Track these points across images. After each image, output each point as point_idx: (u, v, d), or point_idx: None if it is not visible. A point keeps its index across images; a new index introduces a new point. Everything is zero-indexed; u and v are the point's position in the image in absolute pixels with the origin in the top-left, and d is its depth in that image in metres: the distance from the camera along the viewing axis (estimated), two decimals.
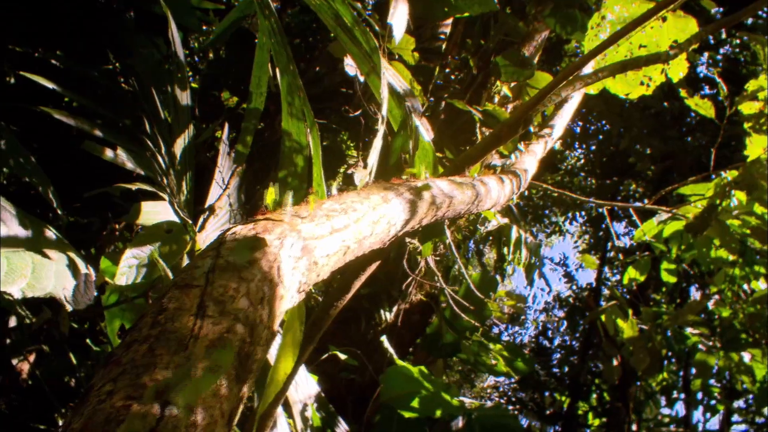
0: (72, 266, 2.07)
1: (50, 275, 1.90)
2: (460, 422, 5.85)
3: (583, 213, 16.96)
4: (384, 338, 5.84)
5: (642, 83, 5.51)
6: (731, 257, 6.34)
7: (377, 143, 2.54)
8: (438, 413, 5.53)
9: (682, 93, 5.86)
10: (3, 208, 1.92)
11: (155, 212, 3.19)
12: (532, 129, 5.87)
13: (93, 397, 0.98)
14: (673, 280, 6.84)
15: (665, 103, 12.55)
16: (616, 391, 14.46)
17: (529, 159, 4.88)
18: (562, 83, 3.45)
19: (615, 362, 7.39)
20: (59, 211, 2.43)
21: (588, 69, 4.22)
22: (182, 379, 1.00)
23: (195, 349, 1.07)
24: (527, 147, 5.13)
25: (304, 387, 4.64)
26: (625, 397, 13.00)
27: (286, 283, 1.41)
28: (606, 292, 16.40)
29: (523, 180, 4.42)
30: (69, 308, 1.88)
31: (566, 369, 16.98)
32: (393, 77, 3.24)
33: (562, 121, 5.69)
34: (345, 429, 4.84)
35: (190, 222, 3.36)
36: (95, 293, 2.08)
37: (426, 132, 3.42)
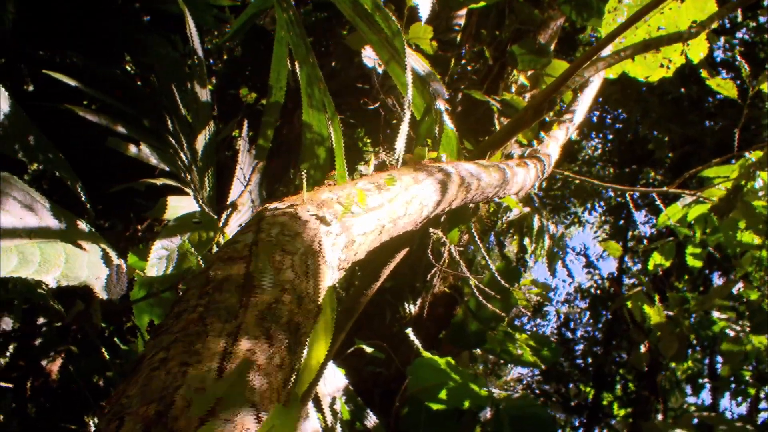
0: (104, 257, 2.06)
1: (83, 265, 1.89)
2: (488, 413, 5.82)
3: (602, 203, 16.85)
4: (409, 330, 5.82)
5: (662, 65, 5.47)
6: (757, 240, 6.26)
7: (404, 127, 2.52)
8: (466, 404, 5.50)
9: (703, 74, 5.80)
10: (36, 201, 1.92)
11: (181, 207, 3.19)
12: (552, 116, 5.84)
13: (146, 365, 0.96)
14: (699, 264, 6.76)
15: (682, 89, 12.45)
16: (642, 380, 14.36)
17: (552, 144, 4.84)
18: (584, 64, 3.42)
19: (643, 349, 7.33)
20: (88, 206, 2.43)
21: (607, 52, 4.18)
22: (236, 347, 0.98)
23: (246, 318, 1.05)
24: (548, 133, 5.09)
25: (332, 380, 4.63)
26: (654, 384, 12.91)
27: (327, 258, 1.40)
28: (627, 281, 16.31)
29: (547, 165, 4.39)
30: (103, 296, 1.87)
31: (590, 360, 16.88)
32: (416, 62, 3.21)
33: (582, 106, 5.64)
34: (374, 421, 4.82)
35: (215, 217, 3.35)
36: (126, 284, 2.07)
37: (448, 119, 3.39)
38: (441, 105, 3.09)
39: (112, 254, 2.14)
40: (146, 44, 4.99)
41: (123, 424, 0.86)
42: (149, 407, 0.87)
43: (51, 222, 1.95)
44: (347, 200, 1.61)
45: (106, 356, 2.54)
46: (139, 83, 5.27)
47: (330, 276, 1.44)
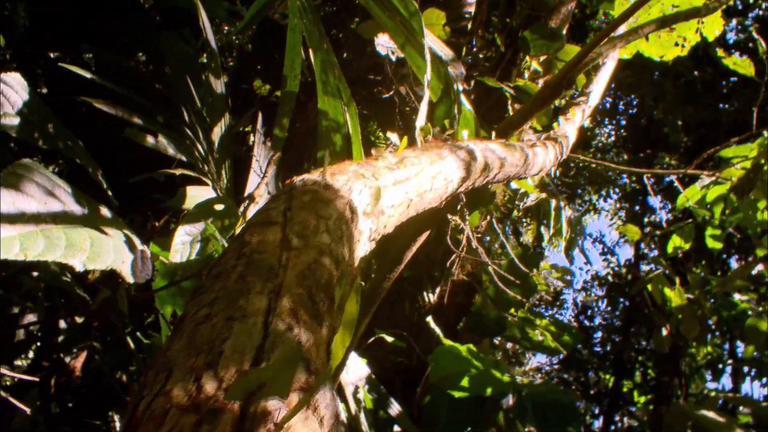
0: (128, 242, 2.05)
1: (109, 250, 1.88)
2: (510, 400, 5.79)
3: (617, 190, 16.78)
4: (429, 319, 5.80)
5: (676, 44, 5.42)
6: None
7: (423, 106, 2.50)
8: (488, 391, 5.47)
9: (719, 52, 5.74)
10: (58, 186, 1.91)
11: (200, 197, 3.18)
12: (566, 100, 5.79)
13: (189, 322, 0.95)
14: (718, 246, 6.70)
15: (696, 72, 12.36)
16: (662, 365, 14.30)
17: (569, 127, 4.80)
18: (601, 42, 3.39)
19: (664, 332, 7.27)
20: (109, 193, 2.42)
21: (622, 32, 4.14)
22: (279, 303, 0.97)
23: (286, 277, 1.04)
24: (564, 116, 5.04)
25: (355, 369, 4.62)
26: (676, 367, 12.85)
27: (359, 226, 1.38)
28: (644, 268, 16.23)
29: (565, 147, 4.36)
30: (130, 280, 1.86)
31: (609, 347, 16.83)
32: (433, 42, 3.19)
33: (597, 88, 5.59)
34: (398, 409, 4.81)
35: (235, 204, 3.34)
36: (152, 270, 2.06)
37: (466, 101, 3.37)
38: (459, 86, 3.07)
39: (136, 240, 2.13)
40: (158, 39, 4.99)
41: (172, 375, 0.85)
42: (198, 358, 0.86)
43: (74, 207, 1.94)
44: (375, 172, 1.60)
45: (131, 345, 2.53)
46: (152, 77, 5.27)
47: (362, 245, 1.43)
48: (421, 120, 2.40)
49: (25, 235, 1.65)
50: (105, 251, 1.86)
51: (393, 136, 2.27)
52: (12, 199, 1.69)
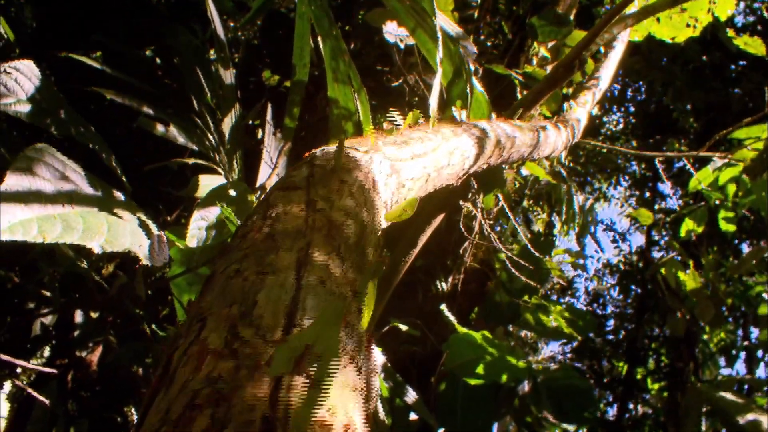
0: (144, 227, 2.05)
1: (126, 233, 1.87)
2: (526, 386, 5.77)
3: (626, 177, 16.73)
4: (443, 306, 5.78)
5: (688, 25, 5.38)
6: None
7: (436, 85, 2.48)
8: (504, 378, 5.45)
9: (730, 33, 5.70)
10: (73, 170, 1.90)
11: (212, 185, 3.17)
12: (575, 86, 5.77)
13: (219, 278, 0.94)
14: (732, 228, 6.66)
15: (704, 57, 12.29)
16: (675, 351, 14.26)
17: (580, 110, 4.77)
18: (613, 19, 3.36)
19: (679, 315, 7.24)
20: (123, 179, 2.41)
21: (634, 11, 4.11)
22: (309, 259, 0.95)
23: (314, 237, 1.03)
24: (575, 99, 5.02)
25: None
26: (691, 353, 12.81)
27: (381, 195, 1.37)
28: (656, 255, 16.17)
29: (577, 129, 4.33)
30: (148, 263, 1.85)
31: (622, 335, 16.79)
32: (444, 21, 3.16)
33: (607, 72, 5.56)
34: (414, 397, 4.80)
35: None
36: (168, 254, 2.06)
37: (478, 83, 3.35)
38: (472, 66, 3.04)
39: (152, 225, 2.12)
40: (166, 32, 4.98)
41: (206, 325, 0.84)
42: (231, 308, 0.85)
43: (88, 191, 1.94)
44: (393, 145, 1.58)
45: (148, 332, 2.52)
46: (161, 71, 5.27)
47: (383, 217, 1.41)
48: (434, 98, 2.38)
49: (42, 218, 1.64)
50: (122, 235, 1.85)
51: (395, 116, 2.26)
52: (27, 182, 1.69)
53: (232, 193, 2.55)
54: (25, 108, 2.15)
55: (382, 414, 4.32)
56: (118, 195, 2.09)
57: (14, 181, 1.63)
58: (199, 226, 2.31)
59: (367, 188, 1.30)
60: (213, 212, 2.38)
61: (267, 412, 0.71)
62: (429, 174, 1.73)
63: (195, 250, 2.28)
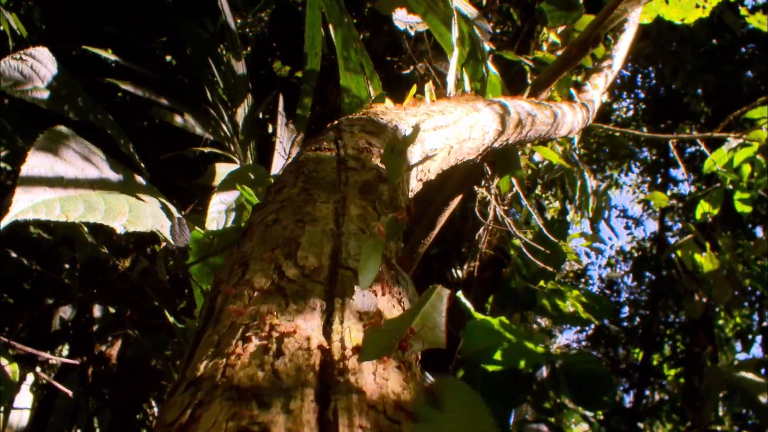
0: (165, 209, 2.05)
1: (147, 214, 1.87)
2: (544, 372, 5.75)
3: (638, 163, 16.66)
4: (460, 293, 5.77)
5: (697, 6, 5.34)
6: None
7: (453, 62, 2.47)
8: (522, 364, 5.43)
9: (742, 11, 5.66)
10: (94, 154, 1.90)
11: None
12: (585, 71, 5.74)
13: (257, 226, 0.94)
14: (747, 209, 6.61)
15: (714, 40, 12.21)
16: (692, 336, 14.21)
17: (593, 92, 4.75)
18: None
19: (696, 297, 7.20)
20: (142, 165, 2.41)
21: None
22: (347, 210, 0.95)
23: (348, 191, 1.02)
24: (589, 80, 4.99)
25: None
26: (709, 336, 12.75)
27: (408, 160, 1.36)
28: (671, 241, 16.09)
29: (592, 111, 4.31)
30: (170, 243, 1.85)
31: (636, 322, 16.75)
32: (459, 2, 3.15)
33: (620, 53, 5.52)
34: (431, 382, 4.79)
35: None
36: (189, 236, 2.05)
37: (491, 65, 3.33)
38: (487, 46, 3.03)
39: (172, 208, 2.12)
40: (176, 26, 4.99)
41: (249, 267, 0.83)
42: (274, 252, 0.84)
43: (110, 174, 1.94)
44: (415, 116, 1.57)
45: (170, 319, 2.52)
46: (172, 63, 5.27)
47: (412, 181, 1.41)
48: (451, 74, 2.37)
49: (65, 199, 1.64)
50: (144, 216, 1.85)
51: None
52: (50, 163, 1.69)
53: (251, 176, 2.54)
54: (43, 95, 2.15)
55: None
56: (139, 179, 2.09)
57: (37, 161, 1.63)
58: (218, 209, 2.30)
59: (395, 152, 1.29)
60: (232, 196, 2.38)
61: (322, 342, 0.71)
62: (451, 146, 1.72)
63: (214, 233, 2.27)
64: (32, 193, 1.55)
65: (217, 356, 0.71)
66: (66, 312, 4.43)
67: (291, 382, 0.62)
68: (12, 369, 2.50)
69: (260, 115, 6.52)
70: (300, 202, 0.96)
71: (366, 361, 0.72)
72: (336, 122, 1.38)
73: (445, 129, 1.69)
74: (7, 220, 1.47)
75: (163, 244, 2.30)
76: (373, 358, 0.73)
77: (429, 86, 2.27)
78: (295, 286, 0.78)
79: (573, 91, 5.13)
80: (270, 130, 6.03)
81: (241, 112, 4.34)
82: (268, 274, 0.81)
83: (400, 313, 0.82)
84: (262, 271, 0.81)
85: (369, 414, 0.63)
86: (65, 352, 4.59)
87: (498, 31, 8.14)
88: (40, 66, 2.16)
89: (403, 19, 5.24)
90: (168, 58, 5.48)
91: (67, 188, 1.69)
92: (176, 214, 2.09)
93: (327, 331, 0.74)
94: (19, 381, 2.70)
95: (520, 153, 4.62)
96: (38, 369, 4.16)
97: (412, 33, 5.43)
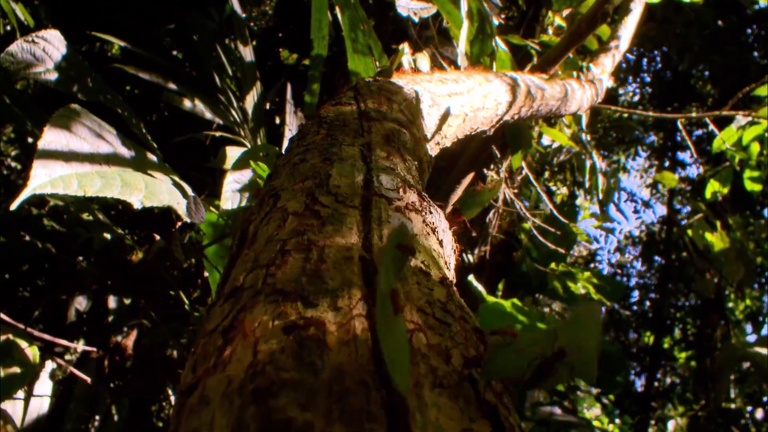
0: (179, 187, 2.05)
1: (163, 191, 1.88)
2: None
3: (645, 148, 16.62)
4: (471, 277, 5.76)
5: None
6: None
7: (463, 33, 2.46)
8: None
9: None
10: (107, 131, 1.90)
11: None
12: (593, 48, 5.71)
13: (285, 166, 0.93)
14: (758, 188, 6.58)
15: (720, 22, 12.16)
16: (703, 318, 14.18)
17: (601, 71, 4.72)
18: None
19: (708, 276, 7.19)
20: (154, 145, 2.42)
21: None
22: (373, 154, 0.95)
23: (373, 138, 1.02)
24: (596, 61, 4.96)
25: None
26: (722, 315, 12.73)
27: (426, 122, 1.36)
28: (683, 223, 16.05)
29: (600, 89, 4.29)
30: (187, 219, 1.86)
31: (646, 305, 16.73)
32: None
33: (626, 33, 5.49)
34: None
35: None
36: (204, 213, 2.06)
37: (501, 41, 3.32)
38: (495, 20, 3.02)
39: (186, 186, 2.13)
40: (183, 16, 4.99)
41: (280, 197, 0.83)
42: (305, 182, 0.84)
43: (123, 151, 1.94)
44: (431, 82, 1.57)
45: (186, 303, 2.52)
46: (180, 51, 5.28)
47: (428, 144, 1.41)
48: (461, 45, 2.36)
49: (82, 174, 1.65)
50: (160, 192, 1.86)
51: (418, 56, 2.22)
52: (66, 140, 1.69)
53: (263, 156, 2.54)
54: (52, 76, 2.15)
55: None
56: (152, 157, 2.09)
57: (52, 137, 1.64)
58: (233, 188, 2.30)
59: (413, 109, 1.29)
60: (246, 175, 2.38)
61: (363, 254, 0.71)
62: (466, 113, 1.72)
63: (229, 212, 2.28)
64: (49, 168, 1.55)
65: (256, 268, 0.71)
66: (81, 304, 4.45)
67: (336, 284, 0.62)
68: (32, 351, 2.51)
69: (268, 106, 6.53)
70: (326, 145, 0.96)
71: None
72: (354, 83, 1.38)
73: (459, 96, 1.69)
74: (26, 193, 1.48)
75: (178, 224, 2.31)
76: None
77: (425, 54, 2.26)
78: (329, 210, 0.78)
79: (582, 69, 5.11)
80: (278, 120, 6.03)
81: (250, 100, 4.34)
82: (300, 201, 0.80)
83: (434, 242, 0.82)
84: (295, 199, 0.81)
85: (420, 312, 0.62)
86: (80, 345, 4.60)
87: (503, 15, 8.12)
88: (52, 48, 2.17)
89: (406, 5, 5.22)
90: (174, 52, 5.49)
91: (83, 163, 1.69)
92: (190, 192, 2.09)
93: (366, 246, 0.74)
94: (38, 365, 2.71)
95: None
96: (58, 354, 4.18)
97: (416, 20, 5.42)
